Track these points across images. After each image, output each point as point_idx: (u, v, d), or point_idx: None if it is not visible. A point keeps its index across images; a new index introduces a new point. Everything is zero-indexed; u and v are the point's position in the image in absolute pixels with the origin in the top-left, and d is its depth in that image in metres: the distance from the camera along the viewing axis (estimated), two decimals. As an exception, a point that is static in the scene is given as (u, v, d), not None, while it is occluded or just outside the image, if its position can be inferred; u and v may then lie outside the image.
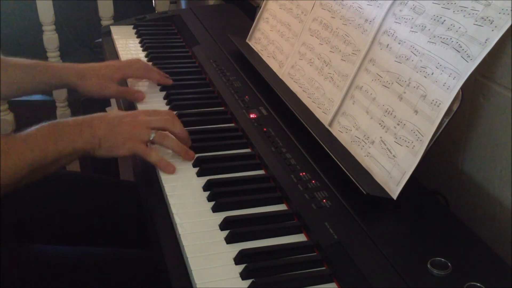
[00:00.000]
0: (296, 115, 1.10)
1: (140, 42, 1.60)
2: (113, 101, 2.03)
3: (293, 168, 0.99)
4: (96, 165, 2.15)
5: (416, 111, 0.89)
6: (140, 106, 1.25)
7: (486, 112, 0.93)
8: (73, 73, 1.26)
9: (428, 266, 0.76)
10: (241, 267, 0.79)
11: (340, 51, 1.11)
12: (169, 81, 1.32)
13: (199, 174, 1.00)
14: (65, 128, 0.98)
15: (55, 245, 1.17)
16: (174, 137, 1.04)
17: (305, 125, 1.06)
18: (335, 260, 0.79)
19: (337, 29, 1.14)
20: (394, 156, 0.91)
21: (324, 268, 0.80)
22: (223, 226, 0.87)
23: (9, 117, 2.21)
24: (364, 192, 0.88)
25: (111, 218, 1.27)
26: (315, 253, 0.83)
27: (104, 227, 1.25)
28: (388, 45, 0.99)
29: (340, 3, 1.15)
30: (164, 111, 1.09)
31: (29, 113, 2.32)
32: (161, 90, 1.32)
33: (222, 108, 1.24)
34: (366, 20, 1.06)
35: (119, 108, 1.34)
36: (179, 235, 0.86)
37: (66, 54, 2.33)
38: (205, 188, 0.97)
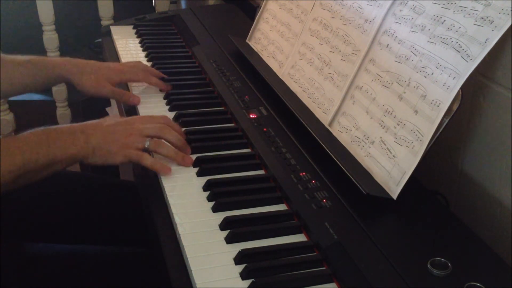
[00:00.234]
0: (296, 115, 1.10)
1: (140, 42, 1.60)
2: (113, 101, 2.03)
3: (293, 168, 0.99)
4: (95, 166, 2.14)
5: (416, 111, 0.89)
6: (140, 106, 1.25)
7: (486, 112, 0.93)
8: (71, 68, 1.25)
9: (428, 266, 0.76)
10: (241, 267, 0.79)
11: (340, 51, 1.11)
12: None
13: (199, 174, 1.00)
14: (59, 134, 0.97)
15: (55, 244, 1.17)
16: (169, 144, 1.03)
17: (305, 125, 1.06)
18: (335, 260, 0.79)
19: (337, 29, 1.14)
20: (394, 156, 0.91)
21: (324, 268, 0.80)
22: (223, 226, 0.87)
23: (9, 117, 2.21)
24: (364, 192, 0.88)
25: (111, 218, 1.27)
26: (315, 253, 0.83)
27: (104, 227, 1.25)
28: (388, 45, 0.99)
29: (340, 3, 1.15)
30: (160, 117, 1.07)
31: (29, 113, 2.32)
32: (161, 90, 1.32)
33: (222, 108, 1.25)
34: (366, 20, 1.06)
35: (119, 108, 1.34)
36: (179, 235, 0.86)
37: (66, 54, 2.31)
38: (205, 188, 0.97)
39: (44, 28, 2.15)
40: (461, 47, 0.85)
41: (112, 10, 2.17)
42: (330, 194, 0.92)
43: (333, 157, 0.96)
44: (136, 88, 1.33)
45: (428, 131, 0.86)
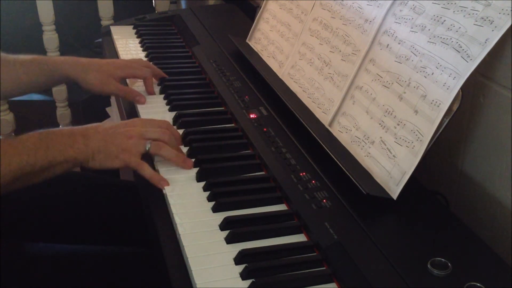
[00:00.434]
0: (296, 115, 1.10)
1: (140, 42, 1.60)
2: (113, 101, 2.04)
3: (293, 168, 0.99)
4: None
5: (416, 111, 0.89)
6: (140, 106, 1.25)
7: (486, 112, 0.93)
8: (75, 66, 1.25)
9: (428, 266, 0.76)
10: (241, 267, 0.79)
11: (340, 51, 1.11)
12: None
13: (199, 174, 1.00)
14: (57, 137, 0.97)
15: (55, 244, 1.17)
16: (170, 147, 1.02)
17: (305, 125, 1.06)
18: (335, 260, 0.79)
19: (337, 29, 1.14)
20: (394, 156, 0.91)
21: (324, 268, 0.80)
22: (223, 226, 0.87)
23: (9, 117, 2.21)
24: (364, 192, 0.88)
25: (111, 218, 1.27)
26: (315, 253, 0.83)
27: (104, 227, 1.25)
28: (388, 45, 0.99)
29: (340, 3, 1.15)
30: (160, 121, 1.07)
31: (29, 113, 2.32)
32: (161, 92, 1.32)
33: (222, 108, 1.24)
34: (366, 20, 1.06)
35: (119, 108, 1.34)
36: (179, 235, 0.86)
37: (66, 54, 2.31)
38: (205, 188, 0.97)
39: (44, 28, 2.15)
40: (461, 47, 0.85)
41: (112, 10, 2.17)
42: (330, 194, 0.92)
43: (333, 157, 0.96)
44: (136, 88, 1.33)
45: (428, 131, 0.86)
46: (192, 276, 0.78)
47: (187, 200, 0.94)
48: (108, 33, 1.67)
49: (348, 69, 1.07)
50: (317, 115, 1.11)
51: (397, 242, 0.84)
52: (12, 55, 1.25)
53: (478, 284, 0.72)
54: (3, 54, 1.24)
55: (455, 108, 0.84)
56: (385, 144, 0.93)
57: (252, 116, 1.16)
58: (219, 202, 0.92)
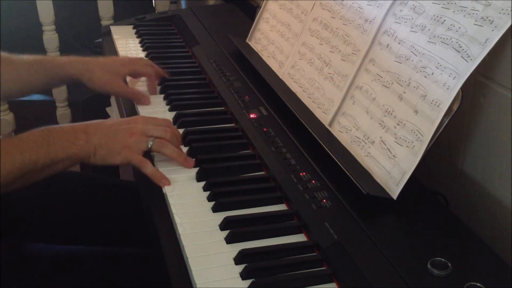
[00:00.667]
0: (296, 115, 1.10)
1: (140, 42, 1.60)
2: (113, 101, 2.03)
3: (293, 168, 0.99)
4: (96, 166, 2.14)
5: (416, 111, 0.89)
6: (140, 107, 1.25)
7: (486, 112, 0.93)
8: (79, 66, 1.24)
9: (428, 266, 0.76)
10: (241, 267, 0.79)
11: (340, 51, 1.11)
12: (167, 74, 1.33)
13: (199, 174, 1.00)
14: (60, 134, 0.96)
15: (55, 244, 1.17)
16: (172, 145, 1.02)
17: (305, 125, 1.06)
18: (335, 260, 0.79)
19: (337, 29, 1.14)
20: (394, 156, 0.91)
21: (324, 268, 0.80)
22: (223, 226, 0.87)
23: (9, 117, 2.21)
24: (364, 192, 0.88)
25: (111, 218, 1.27)
26: (315, 253, 0.83)
27: (104, 227, 1.25)
28: (388, 45, 0.99)
29: (340, 3, 1.15)
30: (162, 120, 1.07)
31: (29, 113, 2.32)
32: (161, 91, 1.32)
33: (222, 108, 1.24)
34: (366, 20, 1.06)
35: (119, 108, 1.34)
36: (179, 235, 0.86)
37: (66, 54, 2.32)
38: (205, 188, 0.97)
39: (44, 28, 2.15)
40: (461, 47, 0.85)
41: (112, 10, 2.17)
42: (330, 194, 0.92)
43: (333, 157, 0.96)
44: (136, 88, 1.33)
45: (428, 131, 0.86)
46: (192, 276, 0.78)
47: (187, 200, 0.94)
48: (108, 33, 1.67)
49: (348, 69, 1.07)
50: (317, 115, 1.11)
51: (397, 242, 0.84)
52: (16, 55, 1.25)
53: (478, 284, 0.72)
54: (7, 54, 1.24)
55: (455, 108, 0.84)
56: (385, 144, 0.93)
57: (252, 116, 1.16)
58: (219, 202, 0.92)
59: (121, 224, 1.27)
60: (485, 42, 0.82)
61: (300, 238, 0.86)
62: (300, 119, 1.09)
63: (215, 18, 1.77)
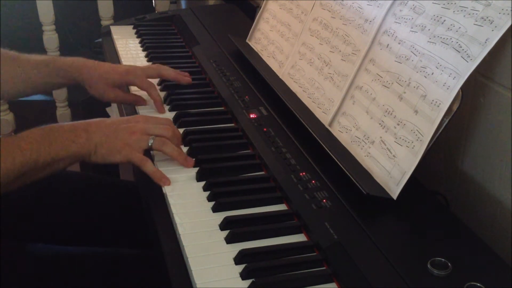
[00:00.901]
0: (296, 115, 1.10)
1: (140, 42, 1.60)
2: (113, 103, 2.03)
3: (293, 168, 0.99)
4: (96, 165, 2.14)
5: (416, 111, 0.89)
6: (140, 107, 1.25)
7: (486, 112, 0.93)
8: (81, 70, 1.23)
9: (428, 266, 0.76)
10: (241, 267, 0.79)
11: (340, 51, 1.11)
12: (185, 80, 1.29)
13: (199, 174, 1.00)
14: (60, 132, 0.96)
15: (55, 244, 1.17)
16: (172, 144, 1.02)
17: (305, 125, 1.06)
18: (335, 260, 0.79)
19: (337, 29, 1.14)
20: (394, 156, 0.91)
21: (324, 268, 0.80)
22: (223, 226, 0.87)
23: (9, 117, 2.21)
24: (364, 192, 0.88)
25: (111, 218, 1.27)
26: (315, 253, 0.83)
27: (104, 227, 1.25)
28: (388, 45, 0.99)
29: (340, 3, 1.15)
30: (163, 119, 1.07)
31: (29, 113, 2.32)
32: (161, 90, 1.32)
33: (222, 108, 1.24)
34: (366, 20, 1.06)
35: (119, 109, 1.34)
36: (179, 235, 0.86)
37: (66, 54, 2.31)
38: (205, 188, 0.97)
39: (44, 28, 2.15)
40: (461, 47, 0.85)
41: (112, 10, 2.17)
42: (330, 194, 0.92)
43: (333, 157, 0.96)
44: (137, 92, 1.32)
45: (428, 131, 0.86)
46: (192, 276, 0.78)
47: (187, 200, 0.94)
48: (108, 33, 1.67)
49: (348, 69, 1.07)
50: (317, 115, 1.11)
51: (397, 242, 0.84)
52: (24, 54, 1.25)
53: (478, 284, 0.72)
54: (16, 53, 1.24)
55: (455, 108, 0.84)
56: (385, 144, 0.93)
57: (252, 116, 1.16)
58: (219, 202, 0.92)
59: (121, 224, 1.27)
60: (485, 42, 0.82)
61: (300, 238, 0.86)
62: (300, 119, 1.09)
63: (215, 18, 1.77)
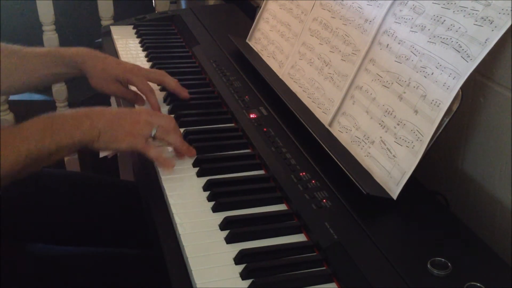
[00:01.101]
0: (296, 115, 1.10)
1: (140, 42, 1.60)
2: (113, 101, 2.03)
3: (293, 168, 0.99)
4: (96, 165, 2.15)
5: (416, 111, 0.89)
6: (140, 106, 1.25)
7: (486, 112, 0.93)
8: (86, 59, 1.23)
9: (428, 266, 0.76)
10: (241, 267, 0.79)
11: (340, 51, 1.11)
12: (184, 93, 1.26)
13: (199, 174, 1.00)
14: (63, 120, 0.97)
15: (55, 245, 1.17)
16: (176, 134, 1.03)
17: (305, 125, 1.06)
18: (335, 260, 0.79)
19: (337, 29, 1.14)
20: (394, 156, 0.91)
21: (324, 268, 0.80)
22: (223, 226, 0.87)
23: (9, 117, 2.21)
24: (364, 192, 0.88)
25: (111, 218, 1.27)
26: (315, 253, 0.83)
27: (104, 227, 1.25)
28: (388, 45, 0.99)
29: (340, 3, 1.15)
30: (165, 115, 1.07)
31: (29, 113, 2.31)
32: (161, 90, 1.32)
33: (222, 108, 1.24)
34: (366, 20, 1.06)
35: (118, 106, 1.34)
36: (179, 235, 0.86)
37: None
38: (205, 188, 0.97)
39: (44, 28, 2.15)
40: (461, 47, 0.85)
41: (112, 10, 2.16)
42: (330, 194, 0.92)
43: (333, 157, 0.96)
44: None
45: (428, 131, 0.86)
46: (192, 276, 0.78)
47: (187, 200, 0.94)
48: (108, 33, 1.67)
49: (348, 69, 1.07)
50: (317, 115, 1.11)
51: (397, 242, 0.84)
52: (27, 47, 1.25)
53: (478, 284, 0.72)
54: (19, 47, 1.24)
55: (455, 108, 0.84)
56: (385, 144, 0.93)
57: (252, 116, 1.16)
58: (219, 202, 0.92)
59: (121, 224, 1.27)
60: (485, 42, 0.82)
61: (300, 238, 0.86)
62: (300, 119, 1.09)
63: (215, 18, 1.77)
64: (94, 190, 1.32)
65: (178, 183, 0.98)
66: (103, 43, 1.66)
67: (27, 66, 1.23)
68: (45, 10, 2.11)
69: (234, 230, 0.86)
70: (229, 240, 0.84)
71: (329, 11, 1.18)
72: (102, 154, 1.33)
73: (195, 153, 1.04)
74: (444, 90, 0.85)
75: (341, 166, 0.94)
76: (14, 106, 2.23)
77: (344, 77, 1.07)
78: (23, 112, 2.28)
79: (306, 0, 1.26)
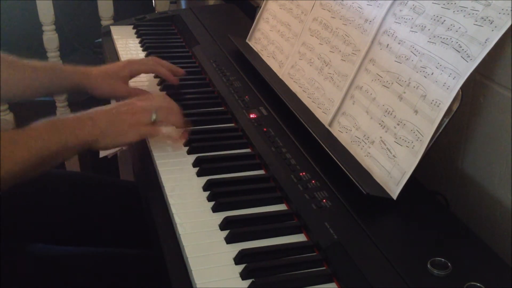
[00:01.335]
0: (296, 115, 1.10)
1: (140, 42, 1.60)
2: (113, 101, 2.03)
3: (293, 168, 0.99)
4: (96, 165, 2.15)
5: (416, 111, 0.89)
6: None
7: (486, 112, 0.93)
8: (82, 77, 1.24)
9: (428, 266, 0.76)
10: (241, 267, 0.79)
11: (340, 51, 1.11)
12: (175, 80, 1.31)
13: (199, 174, 1.00)
14: (66, 122, 0.98)
15: (55, 245, 1.17)
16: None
17: (305, 125, 1.06)
18: (335, 260, 0.79)
19: (337, 29, 1.14)
20: (394, 156, 0.91)
21: (324, 268, 0.80)
22: (223, 226, 0.87)
23: (9, 117, 2.21)
24: (364, 192, 0.88)
25: (111, 218, 1.27)
26: (315, 253, 0.83)
27: (104, 227, 1.25)
28: (388, 45, 0.99)
29: (340, 3, 1.15)
30: (157, 94, 1.11)
31: (29, 113, 2.31)
32: (161, 90, 1.32)
33: (222, 108, 1.24)
34: (366, 20, 1.06)
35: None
36: (179, 235, 0.86)
37: (66, 54, 2.33)
38: (205, 188, 0.97)
39: (44, 28, 2.15)
40: (461, 47, 0.85)
41: (112, 10, 2.17)
42: (330, 194, 0.92)
43: (333, 157, 0.96)
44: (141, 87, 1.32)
45: (428, 131, 0.86)
46: (192, 276, 0.78)
47: (187, 200, 0.94)
48: (108, 33, 1.67)
49: (348, 69, 1.07)
50: (317, 115, 1.11)
51: (397, 242, 0.84)
52: (24, 59, 1.25)
53: (478, 284, 0.72)
54: (15, 58, 1.24)
55: (455, 108, 0.84)
56: (385, 144, 0.93)
57: (252, 116, 1.16)
58: (219, 202, 0.92)
59: (121, 224, 1.27)
60: (485, 42, 0.82)
61: (300, 238, 0.86)
62: (300, 119, 1.09)
63: (215, 18, 1.77)
64: (94, 190, 1.32)
65: (178, 183, 0.99)
66: (103, 43, 1.66)
67: (20, 78, 1.23)
68: (45, 10, 2.11)
69: (234, 230, 0.86)
70: (229, 240, 0.84)
71: (329, 11, 1.18)
72: (102, 154, 1.33)
73: (191, 125, 1.08)
74: (444, 90, 0.85)
75: (341, 166, 0.94)
76: (14, 106, 2.24)
77: (344, 77, 1.07)
78: (23, 112, 2.29)
79: (306, 0, 1.26)
